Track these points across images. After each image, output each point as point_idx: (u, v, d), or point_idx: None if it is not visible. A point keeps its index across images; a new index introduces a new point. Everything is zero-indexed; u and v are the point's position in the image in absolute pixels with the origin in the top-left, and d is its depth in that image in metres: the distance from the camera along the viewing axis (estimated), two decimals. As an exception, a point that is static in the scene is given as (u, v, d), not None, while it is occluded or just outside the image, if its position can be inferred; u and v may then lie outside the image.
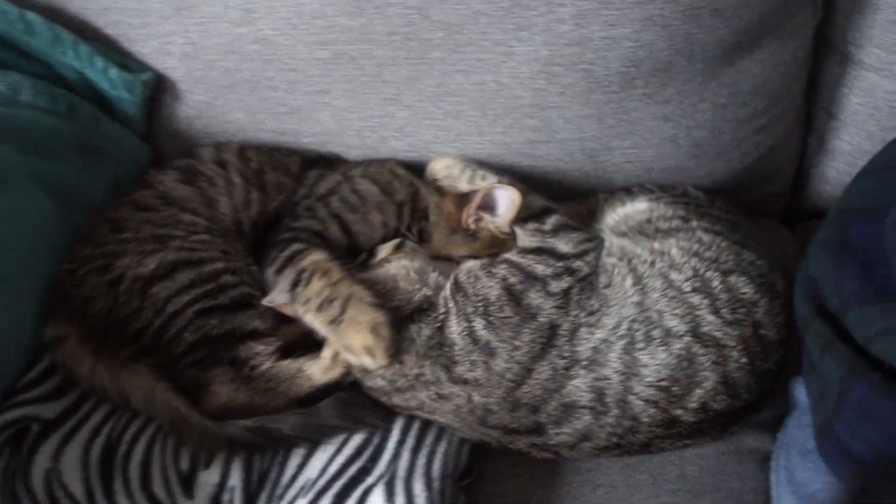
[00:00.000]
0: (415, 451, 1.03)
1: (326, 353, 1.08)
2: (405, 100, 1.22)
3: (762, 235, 1.36)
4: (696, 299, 1.04)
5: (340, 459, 1.03)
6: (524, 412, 1.01)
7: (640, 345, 1.01)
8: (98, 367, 1.06)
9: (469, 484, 1.07)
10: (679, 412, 1.01)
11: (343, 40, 1.17)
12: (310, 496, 0.99)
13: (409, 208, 1.22)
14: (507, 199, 1.11)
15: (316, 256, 1.08)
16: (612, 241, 1.15)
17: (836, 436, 0.97)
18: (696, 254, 1.08)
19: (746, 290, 1.05)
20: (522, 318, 1.03)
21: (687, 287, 1.05)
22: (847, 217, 1.07)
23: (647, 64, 1.16)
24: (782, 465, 1.08)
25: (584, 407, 1.00)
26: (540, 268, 1.08)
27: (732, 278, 1.06)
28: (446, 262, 1.15)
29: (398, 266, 1.11)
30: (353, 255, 1.15)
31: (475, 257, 1.14)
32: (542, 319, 1.04)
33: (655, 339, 1.01)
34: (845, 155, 1.37)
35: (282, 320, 1.12)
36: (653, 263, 1.09)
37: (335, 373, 1.08)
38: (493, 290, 1.05)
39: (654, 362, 1.00)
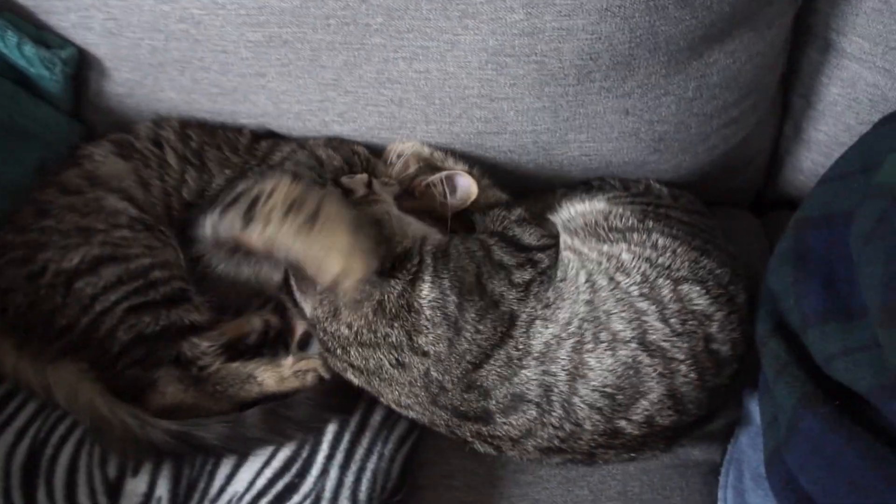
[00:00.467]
0: (343, 468, 1.00)
1: (287, 363, 1.05)
2: (345, 85, 1.13)
3: (730, 227, 1.31)
4: (644, 305, 0.99)
5: (268, 473, 1.01)
6: (476, 395, 0.98)
7: (589, 345, 0.97)
8: (21, 363, 1.03)
9: (402, 500, 1.05)
10: (623, 423, 0.98)
11: (275, 23, 1.07)
12: (235, 513, 0.98)
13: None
14: (467, 186, 1.12)
15: (275, 181, 0.99)
16: (564, 237, 1.10)
17: (786, 466, 0.94)
18: (647, 259, 1.02)
19: (700, 301, 0.99)
20: (486, 304, 1.00)
21: (635, 291, 1.00)
22: (807, 226, 1.02)
23: (606, 57, 1.07)
24: (731, 482, 1.06)
25: (530, 401, 0.97)
26: (506, 257, 1.05)
27: (685, 287, 1.00)
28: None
29: (381, 210, 1.08)
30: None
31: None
32: (503, 308, 1.00)
33: (603, 341, 0.97)
34: (821, 146, 1.29)
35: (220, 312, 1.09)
36: (600, 264, 1.04)
37: (290, 385, 1.04)
38: (468, 274, 1.02)
39: (600, 366, 0.97)
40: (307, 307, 1.04)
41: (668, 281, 1.00)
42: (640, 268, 1.01)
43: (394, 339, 0.98)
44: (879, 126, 1.04)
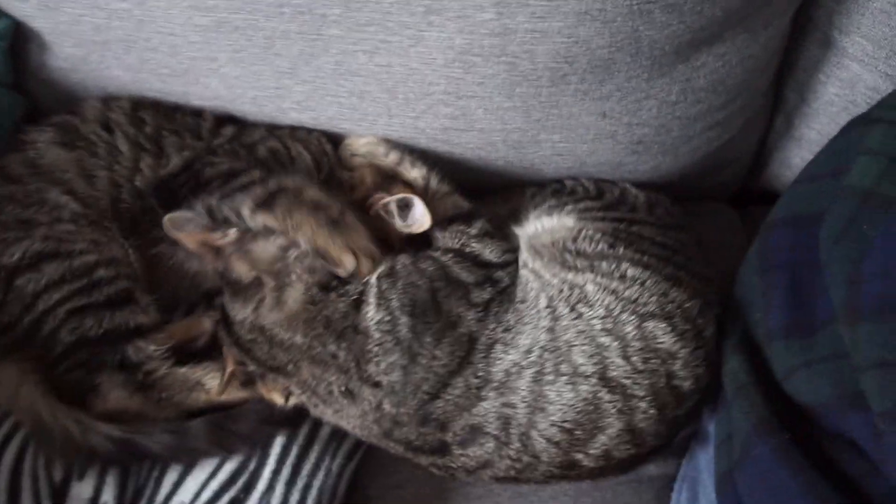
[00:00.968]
0: (289, 485, 0.99)
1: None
2: (302, 75, 1.05)
3: (707, 223, 1.25)
4: (606, 340, 0.95)
5: (214, 486, 0.99)
6: (432, 428, 0.94)
7: (549, 377, 0.93)
8: None
9: (350, 508, 1.04)
10: (580, 456, 0.95)
11: (225, 8, 0.98)
12: (180, 526, 0.97)
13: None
14: (420, 216, 1.02)
15: (293, 178, 1.00)
16: (526, 257, 1.04)
17: (736, 489, 0.94)
18: (613, 291, 0.97)
19: (664, 338, 0.95)
20: (443, 326, 0.95)
21: (597, 325, 0.95)
22: (773, 229, 1.00)
23: (583, 60, 0.98)
24: (684, 501, 1.05)
25: (489, 433, 0.94)
26: (464, 274, 0.99)
27: (650, 324, 0.95)
28: None
29: None
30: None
31: None
32: (461, 330, 0.95)
33: (563, 374, 0.93)
34: (812, 144, 1.21)
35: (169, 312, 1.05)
36: (561, 291, 0.99)
37: (240, 395, 1.01)
38: (421, 292, 0.95)
39: (560, 400, 0.93)
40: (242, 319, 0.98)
41: (633, 317, 0.95)
42: (604, 301, 0.96)
43: (342, 362, 0.93)
44: (849, 129, 0.99)
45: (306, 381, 0.94)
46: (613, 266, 0.98)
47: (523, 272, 1.02)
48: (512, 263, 1.03)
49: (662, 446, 1.00)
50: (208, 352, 1.06)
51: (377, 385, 0.92)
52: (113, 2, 1.00)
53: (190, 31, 1.02)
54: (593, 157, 1.11)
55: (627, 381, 0.93)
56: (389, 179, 1.09)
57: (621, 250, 0.99)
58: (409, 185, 1.08)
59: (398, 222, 1.02)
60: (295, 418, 1.01)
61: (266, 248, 0.96)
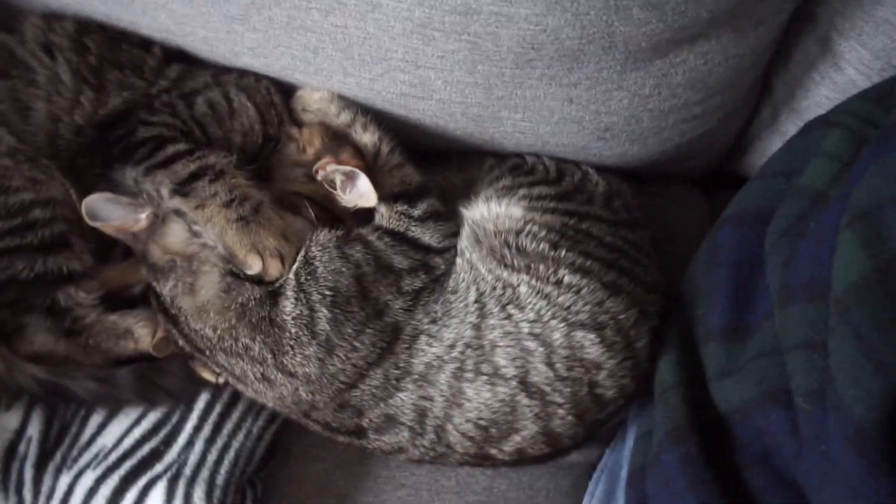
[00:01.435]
0: (209, 442, 1.00)
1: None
2: (254, 23, 0.97)
3: (673, 207, 1.21)
4: (531, 344, 0.93)
5: (136, 433, 1.00)
6: (349, 414, 0.95)
7: (469, 375, 0.93)
8: None
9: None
10: (494, 451, 0.96)
11: (168, -55, 0.90)
12: (99, 471, 0.98)
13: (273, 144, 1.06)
14: (365, 193, 0.97)
15: (219, 156, 0.96)
16: (465, 245, 1.00)
17: (644, 489, 0.96)
18: (546, 296, 0.94)
19: (591, 349, 0.93)
20: (368, 315, 0.93)
21: (525, 329, 0.93)
22: (720, 226, 1.00)
23: (550, 49, 0.91)
24: (599, 493, 1.06)
25: (403, 424, 0.94)
26: (397, 258, 0.96)
27: (579, 334, 0.93)
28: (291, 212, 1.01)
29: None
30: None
31: (309, 198, 1.01)
32: (387, 319, 0.93)
33: (483, 374, 0.93)
34: (794, 141, 1.14)
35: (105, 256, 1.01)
36: (494, 288, 0.96)
37: (169, 349, 1.00)
38: (344, 279, 0.92)
39: (478, 399, 0.93)
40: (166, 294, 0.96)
41: (562, 324, 0.92)
42: (535, 305, 0.93)
43: (256, 354, 0.91)
44: (807, 130, 0.98)
45: (223, 364, 0.93)
46: (551, 271, 0.94)
47: (459, 261, 0.99)
48: (450, 249, 0.99)
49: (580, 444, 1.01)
50: (143, 298, 1.04)
51: (292, 375, 0.91)
52: (49, -79, 0.92)
53: (133, -36, 0.93)
54: (556, 139, 1.05)
55: (548, 388, 0.92)
56: (339, 141, 1.03)
57: (563, 253, 0.95)
58: (359, 150, 1.03)
59: (341, 195, 0.98)
60: (221, 379, 1.01)
61: (178, 233, 0.92)
